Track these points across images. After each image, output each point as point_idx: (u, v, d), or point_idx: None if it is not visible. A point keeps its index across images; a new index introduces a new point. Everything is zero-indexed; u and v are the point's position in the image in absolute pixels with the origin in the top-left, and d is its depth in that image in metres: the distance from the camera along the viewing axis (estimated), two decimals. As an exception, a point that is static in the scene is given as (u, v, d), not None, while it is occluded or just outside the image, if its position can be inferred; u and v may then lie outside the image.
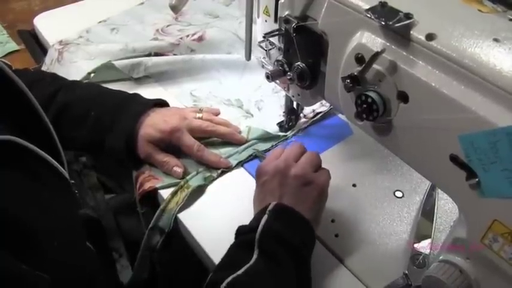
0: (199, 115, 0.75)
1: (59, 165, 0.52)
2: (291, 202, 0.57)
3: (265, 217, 0.55)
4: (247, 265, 0.51)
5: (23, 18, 1.21)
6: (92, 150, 0.76)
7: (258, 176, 0.62)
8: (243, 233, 0.57)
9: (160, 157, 0.70)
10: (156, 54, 0.89)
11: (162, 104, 0.76)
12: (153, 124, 0.70)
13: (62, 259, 0.43)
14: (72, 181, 0.56)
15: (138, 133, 0.70)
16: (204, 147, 0.72)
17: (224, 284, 0.49)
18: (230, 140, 0.75)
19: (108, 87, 0.79)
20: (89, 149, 0.76)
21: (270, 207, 0.56)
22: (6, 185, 0.41)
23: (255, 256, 0.52)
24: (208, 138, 0.75)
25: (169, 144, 0.72)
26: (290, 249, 0.54)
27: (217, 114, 0.80)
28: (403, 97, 0.45)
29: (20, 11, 1.27)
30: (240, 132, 0.77)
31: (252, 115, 0.82)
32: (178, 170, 0.70)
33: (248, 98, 0.85)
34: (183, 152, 0.72)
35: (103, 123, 0.70)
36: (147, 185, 0.69)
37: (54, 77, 0.78)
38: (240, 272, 0.50)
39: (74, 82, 0.78)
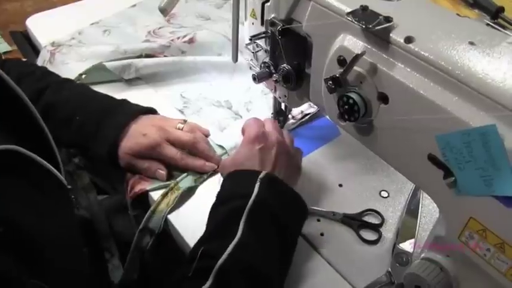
0: (181, 126, 0.73)
1: (58, 173, 0.52)
2: (283, 176, 0.61)
3: (257, 186, 0.57)
4: (236, 239, 0.53)
5: (15, 19, 1.22)
6: (77, 150, 0.76)
7: (257, 138, 0.63)
8: (231, 198, 0.59)
9: (141, 164, 0.70)
10: (147, 56, 0.90)
11: (149, 111, 0.75)
12: (133, 137, 0.70)
13: (61, 266, 0.44)
14: (69, 186, 0.57)
15: (119, 144, 0.70)
16: (188, 155, 0.71)
17: (216, 268, 0.51)
18: (205, 158, 0.73)
19: (97, 91, 0.79)
20: (74, 149, 0.76)
21: (261, 176, 0.58)
22: (9, 194, 0.42)
23: (241, 227, 0.54)
24: None
25: (151, 156, 0.71)
26: (275, 221, 0.57)
27: (207, 135, 0.78)
28: (383, 98, 0.46)
29: (12, 12, 1.27)
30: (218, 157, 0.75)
31: (241, 116, 0.83)
32: (162, 172, 0.70)
33: (237, 100, 0.86)
34: (167, 164, 0.71)
35: (87, 130, 0.71)
36: (138, 188, 0.70)
37: (44, 72, 0.79)
38: (229, 248, 0.52)
39: (63, 81, 0.78)
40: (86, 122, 0.71)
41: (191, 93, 0.87)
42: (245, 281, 0.52)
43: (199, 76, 0.90)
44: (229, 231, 0.54)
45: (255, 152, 0.62)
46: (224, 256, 0.51)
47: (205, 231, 0.58)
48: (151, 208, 0.67)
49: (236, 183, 0.61)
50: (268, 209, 0.57)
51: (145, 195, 0.71)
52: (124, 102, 0.76)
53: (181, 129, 0.73)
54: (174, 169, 0.72)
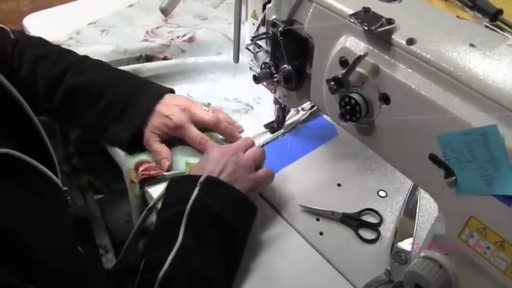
0: (206, 108, 0.76)
1: (53, 176, 0.53)
2: (228, 180, 0.62)
3: (196, 189, 0.58)
4: (177, 245, 0.53)
5: (11, 19, 1.21)
6: (96, 133, 0.77)
7: (207, 152, 0.67)
8: (171, 205, 0.59)
9: (156, 146, 0.72)
10: (147, 56, 0.90)
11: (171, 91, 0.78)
12: (158, 117, 0.73)
13: (55, 267, 0.44)
14: (65, 188, 0.57)
15: (145, 124, 0.73)
16: (207, 139, 0.74)
17: (158, 280, 0.51)
18: (227, 137, 0.77)
19: (116, 68, 0.81)
20: (93, 131, 0.77)
21: (201, 179, 0.60)
22: (3, 198, 0.42)
23: (181, 232, 0.55)
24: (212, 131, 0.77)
25: (175, 136, 0.75)
26: (216, 221, 0.58)
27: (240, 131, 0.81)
28: (385, 99, 0.46)
29: (8, 11, 1.27)
30: (242, 131, 0.78)
31: (252, 107, 0.84)
32: (167, 162, 0.71)
33: (245, 96, 0.87)
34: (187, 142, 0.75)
35: (111, 113, 0.73)
36: (154, 171, 0.71)
37: (60, 52, 0.79)
38: (170, 257, 0.52)
39: (82, 60, 0.78)
40: (111, 105, 0.73)
41: (197, 93, 0.87)
42: (188, 287, 0.53)
43: (203, 76, 0.91)
44: (169, 238, 0.55)
45: (205, 160, 0.66)
46: (165, 266, 0.52)
47: (147, 240, 0.59)
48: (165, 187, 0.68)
49: (176, 190, 0.62)
50: (209, 211, 0.57)
51: (153, 179, 0.71)
52: (146, 83, 0.78)
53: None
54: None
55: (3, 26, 0.81)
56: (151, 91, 0.76)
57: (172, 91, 0.78)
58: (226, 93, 0.87)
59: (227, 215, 0.58)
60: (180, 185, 0.63)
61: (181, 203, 0.57)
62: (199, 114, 0.74)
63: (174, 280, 0.52)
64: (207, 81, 0.90)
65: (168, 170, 0.71)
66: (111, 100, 0.73)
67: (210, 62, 0.91)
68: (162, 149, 0.72)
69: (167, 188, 0.64)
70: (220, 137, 0.77)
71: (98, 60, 0.80)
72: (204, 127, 0.75)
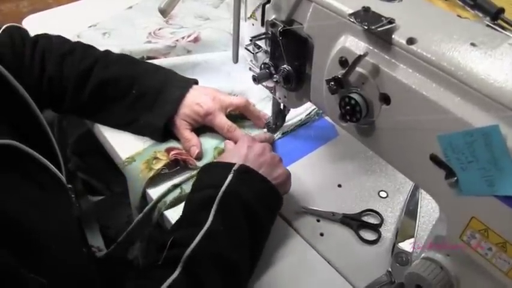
0: (233, 97, 0.79)
1: (56, 170, 0.53)
2: (264, 172, 0.63)
3: (230, 176, 0.59)
4: (206, 227, 0.54)
5: (10, 20, 1.21)
6: (124, 125, 0.78)
7: (244, 140, 0.68)
8: (204, 188, 0.60)
9: (186, 134, 0.74)
10: (149, 58, 0.89)
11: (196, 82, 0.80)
12: (189, 105, 0.75)
13: (59, 262, 0.44)
14: (70, 185, 0.57)
15: (176, 113, 0.75)
16: (235, 127, 0.76)
17: (184, 257, 0.52)
18: (255, 120, 0.79)
19: (140, 60, 0.82)
20: (121, 123, 0.78)
21: (235, 167, 0.60)
22: (6, 188, 0.42)
23: (212, 214, 0.56)
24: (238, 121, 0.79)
25: (204, 123, 0.77)
26: (246, 210, 0.58)
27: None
28: (385, 99, 0.46)
29: (7, 12, 1.26)
30: (267, 119, 0.79)
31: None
32: (196, 150, 0.73)
33: (260, 86, 0.86)
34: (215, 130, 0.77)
35: (142, 104, 0.74)
36: (185, 156, 0.73)
37: (83, 47, 0.79)
38: (198, 237, 0.53)
39: (107, 55, 0.79)
40: (142, 96, 0.75)
41: (215, 86, 0.85)
42: (213, 268, 0.53)
43: (218, 69, 0.90)
44: (199, 219, 0.56)
45: (237, 148, 0.67)
46: (193, 245, 0.53)
47: (178, 219, 0.60)
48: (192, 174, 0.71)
49: (210, 174, 0.63)
50: (240, 199, 0.58)
51: (181, 164, 0.73)
52: (173, 73, 0.79)
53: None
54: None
55: (20, 25, 0.81)
56: (181, 81, 0.78)
57: (196, 82, 0.80)
58: (245, 84, 0.86)
59: (256, 205, 0.59)
60: (214, 169, 0.64)
61: (214, 187, 0.58)
62: (228, 99, 0.77)
63: (198, 259, 0.53)
64: (220, 73, 0.90)
65: (197, 158, 0.73)
66: (142, 91, 0.75)
67: (220, 54, 0.91)
68: (192, 137, 0.74)
69: (200, 172, 0.65)
70: (247, 126, 0.79)
71: (121, 54, 0.81)
72: (234, 111, 0.78)
